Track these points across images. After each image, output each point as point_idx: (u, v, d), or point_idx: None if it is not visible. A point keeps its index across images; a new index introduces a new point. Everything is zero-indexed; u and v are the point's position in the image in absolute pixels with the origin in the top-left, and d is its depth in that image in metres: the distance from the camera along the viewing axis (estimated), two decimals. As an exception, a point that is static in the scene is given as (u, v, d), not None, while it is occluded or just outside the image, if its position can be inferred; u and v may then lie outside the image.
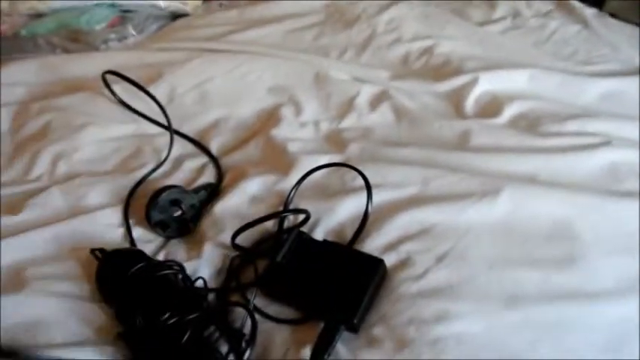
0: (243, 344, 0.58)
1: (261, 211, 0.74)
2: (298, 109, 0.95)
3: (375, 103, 0.96)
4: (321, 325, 0.59)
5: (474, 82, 0.98)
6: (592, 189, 0.74)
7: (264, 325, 0.62)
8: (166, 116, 0.92)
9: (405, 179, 0.76)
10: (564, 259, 0.65)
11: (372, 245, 0.68)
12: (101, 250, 0.68)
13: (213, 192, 0.79)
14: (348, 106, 0.95)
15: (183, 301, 0.62)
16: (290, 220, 0.72)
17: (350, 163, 0.76)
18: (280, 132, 0.89)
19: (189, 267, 0.68)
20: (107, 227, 0.75)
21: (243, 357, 0.57)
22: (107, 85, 0.97)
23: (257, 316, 0.61)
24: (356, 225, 0.69)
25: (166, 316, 0.59)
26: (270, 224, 0.71)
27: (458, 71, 1.03)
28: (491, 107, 0.94)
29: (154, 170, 0.84)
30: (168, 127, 0.91)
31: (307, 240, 0.68)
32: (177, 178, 0.83)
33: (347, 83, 1.01)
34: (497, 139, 0.85)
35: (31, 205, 0.77)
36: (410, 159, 0.81)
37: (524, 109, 0.92)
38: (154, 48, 1.16)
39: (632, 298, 0.61)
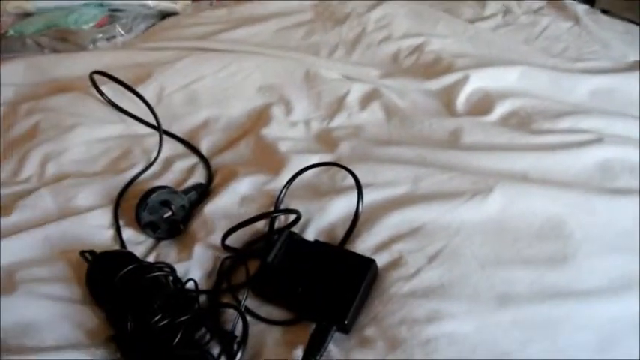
0: (235, 346, 0.58)
1: (251, 211, 0.73)
2: (288, 109, 0.95)
3: (366, 101, 0.96)
4: (313, 325, 0.59)
5: (464, 80, 0.98)
6: (584, 187, 0.74)
7: (255, 326, 0.61)
8: (155, 116, 0.91)
9: (395, 178, 0.76)
10: (556, 257, 0.65)
11: (363, 245, 0.67)
12: (91, 252, 0.68)
13: (204, 193, 0.79)
14: (339, 104, 0.95)
15: (174, 302, 0.61)
16: (281, 220, 0.72)
17: (340, 163, 0.76)
18: (270, 131, 0.88)
19: (180, 268, 0.67)
20: (97, 229, 0.74)
21: (234, 358, 0.57)
22: (95, 86, 0.96)
23: (248, 318, 0.61)
24: (347, 225, 0.69)
25: (157, 318, 0.58)
26: (260, 225, 0.71)
27: (449, 69, 1.02)
28: (482, 105, 0.94)
29: (143, 171, 0.84)
30: (157, 128, 0.90)
31: (298, 240, 0.68)
32: (167, 179, 0.82)
33: (337, 82, 1.01)
34: (488, 137, 0.85)
35: (21, 206, 0.76)
36: (401, 158, 0.81)
37: (516, 107, 0.92)
38: (143, 47, 1.15)
39: (624, 297, 0.61)
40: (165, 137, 0.89)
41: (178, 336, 0.57)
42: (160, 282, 0.63)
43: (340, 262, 0.64)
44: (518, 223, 0.69)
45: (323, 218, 0.71)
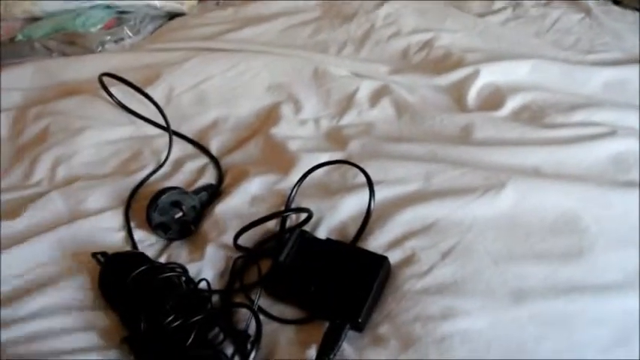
0: (249, 345, 0.58)
1: (262, 211, 0.73)
2: (298, 107, 0.94)
3: (375, 98, 0.95)
4: (326, 324, 0.59)
5: (475, 75, 0.97)
6: (598, 180, 0.74)
7: (268, 325, 0.61)
8: (165, 117, 0.91)
9: (407, 175, 0.75)
10: (570, 252, 0.64)
11: (375, 243, 0.67)
12: (103, 253, 0.68)
13: (214, 193, 0.78)
14: (348, 102, 0.94)
15: (187, 303, 0.61)
16: (292, 219, 0.72)
17: (351, 160, 0.75)
18: (280, 130, 0.88)
19: (192, 269, 0.67)
20: (108, 231, 0.74)
21: (248, 358, 0.57)
22: (104, 88, 0.96)
23: (261, 317, 0.61)
24: (359, 222, 0.69)
25: (170, 318, 0.58)
26: (272, 224, 0.71)
27: (459, 64, 1.02)
28: (493, 99, 0.93)
29: (154, 172, 0.84)
30: (167, 129, 0.90)
31: (310, 239, 0.67)
32: (178, 180, 0.82)
33: (346, 79, 1.01)
34: (500, 131, 0.84)
35: (32, 209, 0.76)
36: (412, 154, 0.80)
37: (527, 101, 0.91)
38: (151, 49, 1.15)
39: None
40: (174, 138, 0.89)
41: (192, 336, 0.57)
42: (172, 282, 0.63)
43: (352, 260, 0.64)
44: (531, 218, 0.69)
45: (334, 216, 0.71)
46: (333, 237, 0.69)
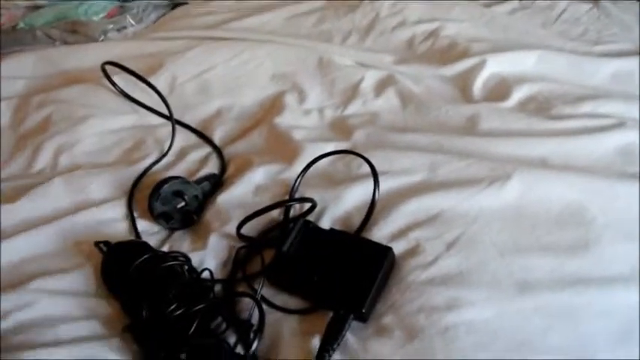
0: (251, 335, 0.58)
1: (266, 200, 0.73)
2: (302, 96, 0.93)
3: (380, 88, 0.94)
4: (330, 314, 0.59)
5: (481, 65, 0.96)
6: (605, 172, 0.73)
7: (271, 315, 0.61)
8: (168, 107, 0.91)
9: (412, 165, 0.75)
10: (577, 244, 0.64)
11: (379, 233, 0.66)
12: (105, 242, 0.68)
13: (217, 183, 0.78)
14: (353, 91, 0.94)
15: (190, 292, 0.61)
16: (296, 209, 0.71)
17: (356, 150, 0.74)
18: (284, 120, 0.87)
19: (195, 258, 0.67)
20: (110, 220, 0.74)
21: (251, 347, 0.56)
22: (107, 76, 0.96)
23: (264, 307, 0.60)
24: (363, 213, 0.68)
25: (173, 307, 0.58)
26: (275, 214, 0.70)
27: (464, 54, 1.00)
28: (499, 90, 0.92)
29: (156, 162, 0.83)
30: (170, 118, 0.89)
31: (314, 229, 0.67)
32: (181, 169, 0.82)
33: (351, 69, 1.00)
34: (505, 122, 0.83)
35: (33, 194, 0.76)
36: (417, 145, 0.79)
37: (534, 92, 0.90)
38: (154, 37, 1.14)
39: (647, 283, 0.60)
40: (178, 127, 0.89)
41: (194, 325, 0.57)
42: (175, 271, 0.63)
43: (356, 250, 0.64)
44: (537, 210, 0.68)
45: (339, 206, 0.70)
46: (337, 227, 0.68)
